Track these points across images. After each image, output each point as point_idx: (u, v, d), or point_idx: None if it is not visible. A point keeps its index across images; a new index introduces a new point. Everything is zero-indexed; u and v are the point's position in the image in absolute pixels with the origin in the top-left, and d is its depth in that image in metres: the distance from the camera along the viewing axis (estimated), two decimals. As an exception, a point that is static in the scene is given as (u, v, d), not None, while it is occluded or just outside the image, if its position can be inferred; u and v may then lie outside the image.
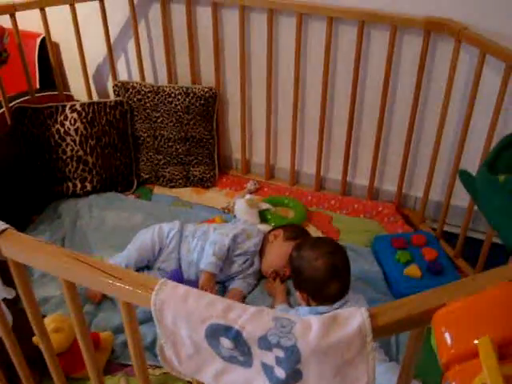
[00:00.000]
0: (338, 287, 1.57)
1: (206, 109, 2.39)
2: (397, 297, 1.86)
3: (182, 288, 0.91)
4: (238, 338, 0.88)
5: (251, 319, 0.87)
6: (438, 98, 2.07)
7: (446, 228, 2.23)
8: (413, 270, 1.95)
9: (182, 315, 0.91)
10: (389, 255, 2.03)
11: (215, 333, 0.89)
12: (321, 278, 1.56)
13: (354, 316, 0.83)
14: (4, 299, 1.15)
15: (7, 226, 1.04)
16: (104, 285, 0.95)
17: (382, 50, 2.09)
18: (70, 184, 2.35)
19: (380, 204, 2.37)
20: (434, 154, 2.12)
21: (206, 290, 1.73)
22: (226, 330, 0.88)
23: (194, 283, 1.80)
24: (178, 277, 1.78)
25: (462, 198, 2.15)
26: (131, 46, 2.49)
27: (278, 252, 1.89)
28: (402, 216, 2.33)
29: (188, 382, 1.53)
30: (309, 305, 1.62)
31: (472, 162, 1.98)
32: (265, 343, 0.86)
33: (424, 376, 1.59)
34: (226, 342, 0.90)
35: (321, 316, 0.85)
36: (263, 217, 2.22)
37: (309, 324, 0.84)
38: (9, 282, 1.10)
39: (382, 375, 1.44)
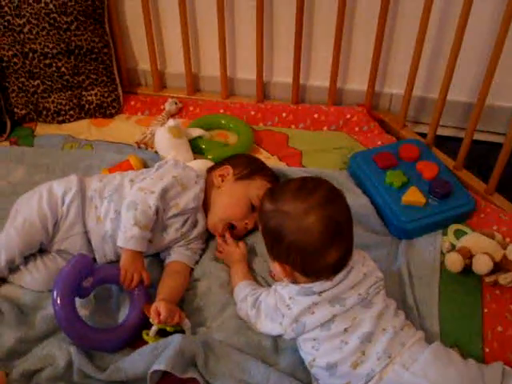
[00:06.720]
0: (339, 253, 1.03)
1: (90, 3, 1.73)
2: (400, 235, 1.42)
3: None
4: None
5: None
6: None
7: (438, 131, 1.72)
8: (414, 196, 1.46)
9: None
10: (375, 178, 1.52)
11: None
12: (316, 242, 1.00)
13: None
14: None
15: None
16: None
17: None
18: None
19: (347, 109, 1.81)
20: (421, 28, 1.54)
21: (131, 276, 1.19)
22: None
23: (113, 266, 1.23)
24: (84, 265, 1.15)
25: (457, 90, 1.68)
26: None
27: (231, 198, 1.36)
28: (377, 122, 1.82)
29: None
30: (294, 281, 1.08)
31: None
32: None
33: (462, 344, 1.20)
34: None
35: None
36: (196, 147, 1.66)
37: None
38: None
39: (431, 366, 1.00)
